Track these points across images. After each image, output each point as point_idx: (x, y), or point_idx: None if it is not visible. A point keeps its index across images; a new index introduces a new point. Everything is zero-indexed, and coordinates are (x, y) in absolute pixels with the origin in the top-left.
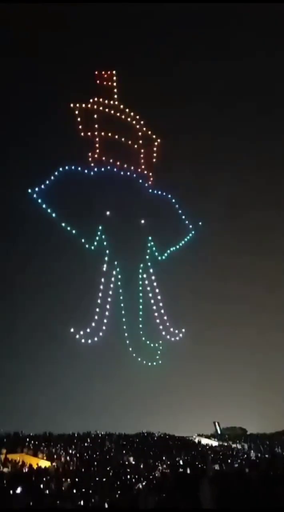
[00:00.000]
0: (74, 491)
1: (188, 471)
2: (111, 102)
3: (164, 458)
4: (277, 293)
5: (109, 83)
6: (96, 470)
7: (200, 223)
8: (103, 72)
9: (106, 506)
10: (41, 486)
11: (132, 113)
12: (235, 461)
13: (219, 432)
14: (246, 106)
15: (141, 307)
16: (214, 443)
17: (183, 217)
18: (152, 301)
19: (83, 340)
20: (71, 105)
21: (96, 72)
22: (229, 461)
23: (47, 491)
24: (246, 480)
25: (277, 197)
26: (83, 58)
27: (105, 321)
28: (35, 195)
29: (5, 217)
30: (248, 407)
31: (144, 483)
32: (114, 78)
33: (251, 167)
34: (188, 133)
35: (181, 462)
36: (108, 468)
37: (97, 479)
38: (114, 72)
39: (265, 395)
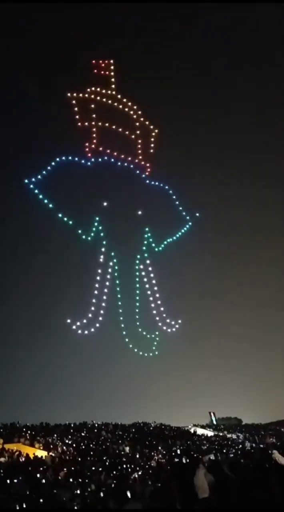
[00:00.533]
0: (71, 480)
1: (184, 461)
2: (109, 92)
3: (160, 447)
4: (274, 286)
5: (107, 73)
6: (92, 460)
7: (197, 215)
8: (100, 61)
9: (102, 495)
10: (38, 475)
11: (129, 103)
12: (230, 451)
13: (214, 422)
14: (246, 98)
15: (137, 298)
16: (210, 433)
17: (181, 208)
18: (149, 292)
19: (79, 331)
20: (68, 94)
21: (94, 61)
22: (224, 451)
23: (44, 480)
24: (241, 469)
25: (278, 191)
26: (80, 47)
27: (101, 312)
28: (31, 186)
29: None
30: (243, 398)
31: (140, 473)
32: (112, 67)
33: (251, 159)
34: (186, 124)
35: (178, 452)
36: (104, 458)
37: (93, 468)
38: (111, 61)
39: (261, 386)
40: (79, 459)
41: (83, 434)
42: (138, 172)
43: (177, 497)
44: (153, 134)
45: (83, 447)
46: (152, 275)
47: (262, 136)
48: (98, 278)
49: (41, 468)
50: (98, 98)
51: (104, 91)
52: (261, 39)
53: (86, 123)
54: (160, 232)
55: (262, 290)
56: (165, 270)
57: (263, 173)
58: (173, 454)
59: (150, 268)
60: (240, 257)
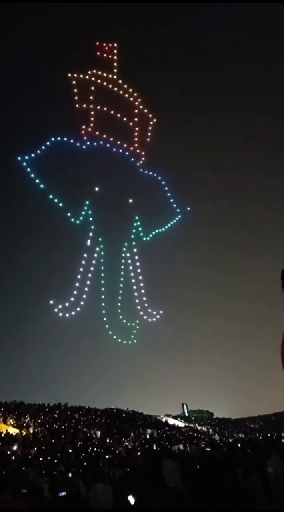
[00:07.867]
0: (41, 459)
1: (154, 448)
2: (110, 75)
3: (132, 434)
4: (257, 284)
5: (110, 56)
6: (63, 441)
7: (188, 209)
8: (104, 44)
9: (70, 475)
10: (8, 452)
11: (130, 90)
12: (200, 442)
13: (186, 413)
14: (245, 93)
15: (121, 285)
16: (181, 424)
17: (172, 200)
18: (133, 280)
19: (61, 314)
20: (69, 74)
21: (97, 43)
22: (194, 442)
23: (13, 457)
24: (210, 460)
25: (270, 192)
26: (84, 27)
27: (84, 296)
28: (24, 164)
29: None
30: (216, 392)
31: (107, 457)
32: (115, 51)
33: (248, 159)
34: (185, 116)
35: (147, 438)
36: (75, 440)
37: (64, 450)
38: (115, 45)
39: (234, 381)
40: (50, 439)
41: (56, 415)
42: (132, 160)
43: (146, 482)
44: (151, 123)
45: (56, 427)
46: (138, 263)
47: (259, 131)
48: (83, 262)
49: (12, 445)
50: (99, 81)
51: (105, 74)
52: (262, 31)
53: (84, 105)
54: (150, 222)
55: (245, 288)
56: (151, 261)
57: (262, 173)
58: (143, 441)
59: (136, 257)
60: (226, 254)
